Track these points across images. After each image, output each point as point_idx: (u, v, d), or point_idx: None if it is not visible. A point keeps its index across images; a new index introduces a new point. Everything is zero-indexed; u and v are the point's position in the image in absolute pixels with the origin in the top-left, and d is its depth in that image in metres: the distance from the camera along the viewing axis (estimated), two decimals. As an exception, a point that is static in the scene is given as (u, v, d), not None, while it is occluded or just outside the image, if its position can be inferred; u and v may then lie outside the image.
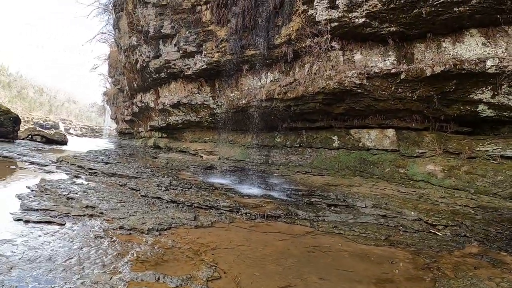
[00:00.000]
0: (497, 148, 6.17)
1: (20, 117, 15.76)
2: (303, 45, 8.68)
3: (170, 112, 15.02)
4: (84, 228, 3.25)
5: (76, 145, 19.34)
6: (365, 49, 7.77)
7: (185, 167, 10.14)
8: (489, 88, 5.97)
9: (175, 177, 7.55)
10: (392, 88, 7.01)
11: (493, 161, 6.15)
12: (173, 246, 2.99)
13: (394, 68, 6.85)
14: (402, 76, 6.66)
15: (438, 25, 6.45)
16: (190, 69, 11.65)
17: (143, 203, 4.58)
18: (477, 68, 5.76)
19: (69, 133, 47.25)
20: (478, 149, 6.39)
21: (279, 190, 6.75)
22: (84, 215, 3.61)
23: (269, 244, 3.37)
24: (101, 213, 3.79)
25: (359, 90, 7.42)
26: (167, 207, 4.52)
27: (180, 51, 11.59)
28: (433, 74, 6.21)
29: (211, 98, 12.03)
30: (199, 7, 10.96)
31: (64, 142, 17.61)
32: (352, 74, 7.34)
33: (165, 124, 16.27)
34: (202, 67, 11.15)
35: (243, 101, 10.49)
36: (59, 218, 3.46)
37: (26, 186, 4.88)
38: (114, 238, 3.05)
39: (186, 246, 3.02)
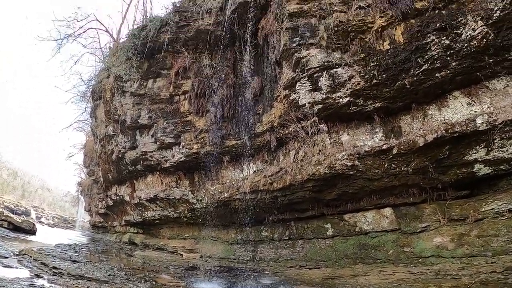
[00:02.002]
0: (503, 204, 6.08)
1: None
2: (287, 131, 8.76)
3: (146, 207, 14.51)
4: None
5: (46, 236, 18.42)
6: (352, 129, 7.88)
7: (164, 267, 9.42)
8: (482, 146, 6.07)
9: (154, 282, 6.84)
10: (385, 165, 6.97)
11: (502, 218, 6.01)
12: None
13: (384, 144, 6.92)
14: (395, 151, 6.68)
15: (421, 94, 6.72)
16: (168, 161, 11.52)
17: None
18: (468, 128, 5.93)
19: (41, 222, 45.47)
20: (483, 209, 6.28)
21: None
22: None
23: None
24: None
25: (351, 172, 7.33)
26: None
27: (158, 142, 11.57)
28: (426, 143, 6.26)
29: (190, 193, 11.70)
30: (177, 97, 11.26)
31: (32, 232, 16.83)
32: (342, 156, 7.33)
33: (141, 220, 15.61)
34: (181, 159, 11.04)
35: (225, 195, 10.18)
36: None
37: None
38: None
39: None
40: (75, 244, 14.32)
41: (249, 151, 9.65)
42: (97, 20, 22.50)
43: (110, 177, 17.44)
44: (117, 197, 17.30)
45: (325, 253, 8.55)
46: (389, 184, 7.29)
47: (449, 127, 6.14)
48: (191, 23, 11.38)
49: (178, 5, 13.12)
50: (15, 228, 16.05)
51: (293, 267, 8.65)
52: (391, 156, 6.80)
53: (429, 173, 6.64)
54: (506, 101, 6.07)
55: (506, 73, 6.15)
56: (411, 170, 6.78)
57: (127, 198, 15.98)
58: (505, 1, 5.62)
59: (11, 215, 20.79)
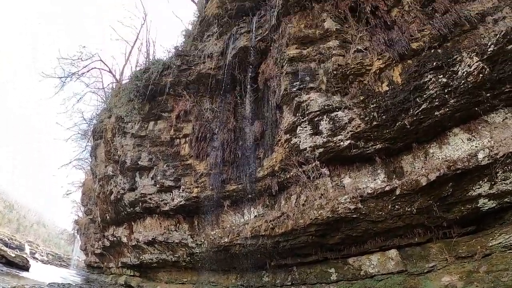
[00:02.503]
0: (510, 237, 5.92)
1: None
2: (288, 175, 8.72)
3: (144, 250, 14.16)
4: None
5: (39, 273, 17.82)
6: (353, 172, 7.82)
7: None
8: (485, 180, 5.94)
9: None
10: (389, 207, 6.83)
11: (511, 251, 5.83)
12: None
13: (387, 185, 6.81)
14: (397, 192, 6.56)
15: (421, 133, 6.73)
16: (167, 204, 11.36)
17: None
18: (470, 164, 5.83)
19: (34, 258, 44.38)
20: (490, 244, 6.09)
21: None
22: None
23: None
24: None
25: (354, 215, 7.17)
26: None
27: (157, 185, 11.47)
28: (429, 182, 6.14)
29: (189, 237, 11.46)
30: (178, 140, 11.29)
31: (26, 268, 16.39)
32: (345, 199, 7.20)
33: (138, 262, 15.19)
34: (180, 203, 10.89)
35: (226, 240, 9.96)
36: None
37: None
38: None
39: None
40: (69, 284, 13.89)
41: (250, 196, 9.56)
42: (101, 60, 23.14)
43: (108, 217, 17.15)
44: (114, 238, 16.94)
45: None
46: (393, 225, 7.13)
47: (451, 164, 6.07)
48: (193, 67, 11.64)
49: (180, 49, 13.50)
50: (8, 262, 15.64)
51: None
52: (394, 197, 6.69)
53: (433, 212, 6.52)
54: (505, 133, 6.08)
55: (503, 105, 6.20)
56: (415, 210, 6.65)
57: (124, 240, 15.63)
58: (498, 35, 5.76)
59: (5, 248, 20.31)
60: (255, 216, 9.63)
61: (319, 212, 7.62)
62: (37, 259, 47.65)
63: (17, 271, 14.38)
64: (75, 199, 32.11)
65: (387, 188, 6.76)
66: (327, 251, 8.57)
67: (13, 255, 18.01)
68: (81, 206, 28.69)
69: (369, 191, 7.00)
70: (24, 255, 22.24)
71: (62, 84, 21.52)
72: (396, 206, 6.81)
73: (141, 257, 14.74)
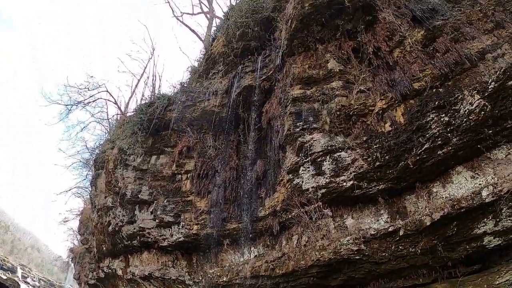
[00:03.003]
0: None
1: None
2: (290, 215, 8.64)
3: (139, 284, 13.82)
4: None
5: None
6: (356, 212, 7.74)
7: None
8: (490, 218, 5.83)
9: None
10: (392, 247, 6.68)
11: None
12: None
13: (390, 226, 6.71)
14: (401, 233, 6.45)
15: (424, 173, 6.70)
16: (166, 240, 11.18)
17: None
18: (474, 202, 5.74)
19: (26, 282, 43.14)
20: (497, 282, 5.91)
21: None
22: None
23: None
24: None
25: (357, 257, 7.01)
26: None
27: (157, 220, 11.33)
28: (433, 222, 6.04)
29: (187, 274, 11.21)
30: (179, 176, 11.27)
31: None
32: (348, 240, 7.07)
33: (133, 297, 14.84)
34: (179, 239, 10.72)
35: (224, 279, 9.74)
36: None
37: None
38: None
39: None
40: None
41: (251, 235, 9.43)
42: (107, 91, 23.40)
43: (104, 248, 16.84)
44: (109, 270, 16.56)
45: None
46: (397, 266, 6.96)
47: (455, 203, 6.00)
48: (197, 104, 11.78)
49: (185, 85, 13.74)
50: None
51: None
52: (397, 238, 6.58)
53: (438, 252, 6.39)
54: (509, 169, 6.06)
55: (506, 141, 6.21)
56: (419, 251, 6.51)
57: (119, 273, 15.27)
58: (498, 72, 5.87)
59: None
60: (255, 255, 9.47)
61: (321, 253, 7.49)
62: (29, 283, 46.38)
63: None
64: (72, 227, 31.65)
65: (390, 229, 6.67)
66: None
67: (5, 277, 17.55)
68: (77, 235, 28.19)
69: (372, 232, 6.90)
70: (16, 279, 21.65)
71: (67, 112, 21.77)
72: (400, 247, 6.69)
73: (136, 294, 14.40)
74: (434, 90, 6.66)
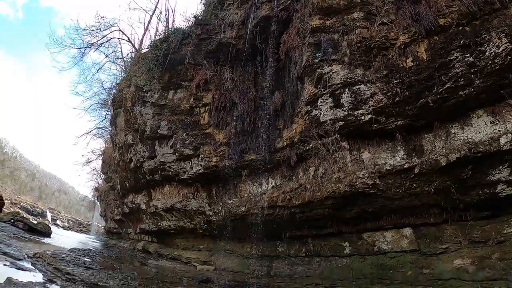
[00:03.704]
0: None
1: (8, 198, 15.20)
2: (308, 147, 8.57)
3: (162, 216, 14.40)
4: None
5: (61, 238, 18.36)
6: (373, 147, 7.62)
7: (177, 278, 9.20)
8: (505, 166, 5.77)
9: None
10: (407, 184, 6.71)
11: None
12: None
13: (406, 163, 6.67)
14: (416, 171, 6.42)
15: (444, 112, 6.46)
16: (186, 172, 11.40)
17: None
18: (491, 148, 5.66)
19: (56, 224, 45.75)
20: (505, 231, 6.01)
21: None
22: None
23: None
24: None
25: (371, 191, 7.07)
26: None
27: (176, 154, 11.50)
28: (448, 163, 5.99)
29: (207, 205, 11.54)
30: (197, 109, 11.20)
31: (47, 234, 16.78)
32: (363, 174, 7.09)
33: (156, 229, 15.50)
34: (199, 171, 10.91)
35: (243, 209, 10.00)
36: None
37: None
38: None
39: None
40: (89, 249, 14.21)
41: (268, 166, 9.48)
42: (120, 30, 22.85)
43: (127, 184, 17.45)
44: (133, 205, 17.27)
45: (341, 272, 8.27)
46: (410, 203, 7.02)
47: (472, 146, 5.88)
48: (213, 36, 11.38)
49: (200, 17, 13.19)
50: (31, 229, 16.01)
51: (308, 285, 8.31)
52: (412, 175, 6.54)
53: (451, 194, 6.35)
54: None
55: None
56: (432, 190, 6.50)
57: (143, 207, 15.92)
58: None
59: (28, 215, 20.99)
60: (273, 186, 9.58)
61: (337, 185, 7.53)
62: (59, 225, 49.07)
63: (39, 238, 14.76)
64: (95, 167, 32.78)
65: (406, 166, 6.62)
66: (343, 224, 8.53)
67: (35, 222, 18.52)
68: (101, 174, 29.26)
69: (388, 168, 6.87)
70: (46, 222, 22.89)
71: (81, 55, 21.52)
72: (414, 185, 6.67)
73: (159, 224, 15.01)
74: (460, 28, 6.12)
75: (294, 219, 8.90)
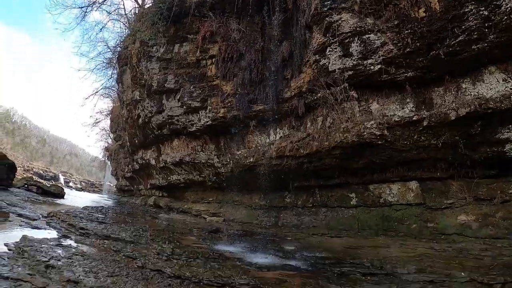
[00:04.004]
0: None
1: (21, 166, 15.49)
2: (316, 97, 8.45)
3: (171, 171, 14.60)
4: None
5: (74, 199, 18.82)
6: (382, 98, 7.47)
7: (187, 230, 9.46)
8: None
9: (178, 243, 6.81)
10: (415, 137, 6.67)
11: None
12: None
13: (415, 115, 6.58)
14: (425, 123, 6.36)
15: (455, 66, 6.24)
16: (194, 125, 11.39)
17: (140, 277, 3.86)
18: (502, 105, 5.57)
19: (69, 186, 46.86)
20: (511, 191, 6.05)
21: (300, 259, 5.96)
22: None
23: None
24: None
25: (379, 142, 7.04)
26: (169, 284, 3.76)
27: (184, 107, 11.43)
28: (458, 117, 5.91)
29: (215, 157, 11.62)
30: (204, 61, 10.99)
31: (61, 195, 17.14)
32: (371, 125, 7.03)
33: (166, 183, 15.78)
34: (207, 123, 10.88)
35: (251, 160, 10.05)
36: None
37: (4, 244, 4.35)
38: None
39: None
40: (101, 206, 14.56)
41: (276, 117, 9.40)
42: (121, -15, 22.09)
43: (136, 141, 17.58)
44: (143, 161, 17.49)
45: (347, 223, 8.46)
46: (417, 156, 7.00)
47: (483, 102, 5.75)
48: (218, -15, 10.94)
49: (204, -34, 12.62)
50: (44, 192, 16.34)
51: (315, 235, 8.51)
52: (421, 128, 6.47)
53: (459, 149, 6.31)
54: None
55: None
56: (440, 144, 6.45)
57: (153, 162, 16.12)
58: None
59: (41, 180, 21.40)
60: (281, 137, 9.56)
61: (345, 135, 7.48)
62: (71, 187, 50.15)
63: (53, 199, 15.03)
64: (104, 127, 32.96)
65: (414, 118, 6.52)
66: (349, 175, 8.59)
67: (48, 185, 18.85)
68: (110, 133, 29.48)
69: (396, 119, 6.77)
70: (59, 185, 23.30)
71: (83, 15, 20.91)
72: (422, 137, 6.61)
73: (169, 178, 15.25)
74: (475, -20, 5.76)
75: (302, 169, 8.94)
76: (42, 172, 57.30)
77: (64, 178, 60.82)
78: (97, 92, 28.36)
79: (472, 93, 6.16)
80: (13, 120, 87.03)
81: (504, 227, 5.77)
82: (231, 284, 3.98)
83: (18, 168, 18.57)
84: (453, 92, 6.44)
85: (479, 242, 5.75)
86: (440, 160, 6.88)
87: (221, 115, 10.35)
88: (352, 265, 5.25)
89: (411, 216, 7.27)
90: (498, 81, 5.93)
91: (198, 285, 3.93)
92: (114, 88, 24.78)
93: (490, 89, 5.95)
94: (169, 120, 12.42)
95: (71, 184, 58.04)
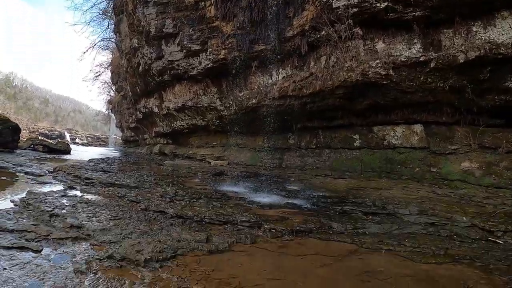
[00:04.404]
0: None
1: (26, 128, 15.39)
2: (319, 35, 8.07)
3: (175, 117, 14.48)
4: (63, 257, 2.59)
5: (80, 154, 18.97)
6: (388, 37, 7.08)
7: (192, 174, 9.52)
8: None
9: (181, 186, 6.87)
10: (421, 78, 6.40)
11: None
12: (179, 286, 2.26)
13: (422, 56, 6.26)
14: (432, 65, 6.06)
15: (466, 8, 5.82)
16: (195, 68, 11.06)
17: (142, 219, 3.90)
18: None
19: (75, 143, 47.19)
20: None
21: (302, 198, 6.01)
22: (66, 238, 2.98)
23: (309, 274, 2.64)
24: (88, 235, 3.13)
25: (384, 82, 6.79)
26: (171, 224, 3.81)
27: (184, 50, 11.05)
28: (466, 61, 5.61)
29: (218, 100, 11.43)
30: (203, 3, 10.41)
31: (67, 151, 17.25)
32: (377, 64, 6.74)
33: (170, 130, 15.74)
34: (208, 66, 10.54)
35: (253, 101, 9.88)
36: (36, 242, 2.85)
37: (11, 200, 4.35)
38: (99, 274, 2.36)
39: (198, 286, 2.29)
40: (107, 158, 14.64)
41: (278, 56, 9.08)
42: None
43: (138, 90, 17.31)
44: (146, 110, 17.34)
45: (350, 164, 8.43)
46: (423, 99, 6.77)
47: (494, 47, 5.42)
48: None
49: None
50: (50, 150, 16.33)
51: (318, 176, 8.50)
52: (428, 70, 6.17)
53: (466, 94, 6.06)
54: None
55: None
56: (447, 87, 6.19)
57: (155, 110, 15.97)
58: None
59: (47, 139, 21.33)
60: (283, 77, 9.30)
61: (349, 74, 7.23)
62: (78, 143, 50.43)
63: (60, 156, 15.02)
64: (105, 79, 32.39)
65: (422, 59, 6.19)
66: (353, 116, 8.45)
67: (54, 143, 18.78)
68: (112, 86, 29.01)
69: (403, 59, 6.44)
70: (65, 142, 23.28)
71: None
72: (429, 79, 6.33)
73: (172, 125, 15.19)
74: None
75: (305, 109, 8.80)
76: (47, 132, 57.34)
77: (70, 135, 61.01)
78: (95, 45, 27.57)
79: (482, 37, 5.78)
80: (14, 84, 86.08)
81: (508, 177, 5.67)
82: (233, 222, 4.01)
83: (23, 131, 18.46)
84: (463, 35, 6.07)
85: (481, 190, 5.67)
86: (446, 104, 6.67)
87: (222, 56, 10.00)
88: (354, 204, 5.26)
89: (414, 159, 7.20)
90: (510, 26, 5.55)
91: (200, 223, 3.95)
92: (112, 39, 23.95)
93: (502, 34, 5.58)
94: (170, 66, 12.08)
95: (77, 140, 58.38)
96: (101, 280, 2.27)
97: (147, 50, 13.35)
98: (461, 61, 5.69)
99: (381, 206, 5.03)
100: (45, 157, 12.87)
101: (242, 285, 2.34)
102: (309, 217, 4.41)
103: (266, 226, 3.90)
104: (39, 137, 26.71)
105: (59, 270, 2.37)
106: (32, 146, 16.58)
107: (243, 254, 3.03)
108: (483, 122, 6.41)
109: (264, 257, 3.03)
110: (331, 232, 3.87)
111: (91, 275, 2.33)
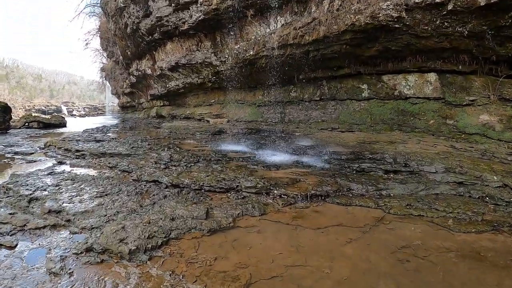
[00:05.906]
0: None
1: (22, 107, 14.09)
2: (321, -25, 6.87)
3: (169, 77, 13.26)
4: (38, 253, 2.08)
5: (75, 125, 17.88)
6: None
7: (190, 134, 8.75)
8: None
9: (178, 149, 6.10)
10: (437, 22, 5.41)
11: None
12: (172, 286, 1.61)
13: None
14: (450, 7, 5.06)
15: None
16: (186, 23, 9.70)
17: (132, 193, 3.20)
18: None
19: (73, 115, 45.52)
20: None
21: (312, 155, 5.21)
22: (44, 227, 2.34)
23: (335, 255, 1.98)
24: (68, 220, 2.50)
25: (396, 25, 5.77)
26: (165, 196, 3.11)
27: (173, 4, 9.64)
28: (488, 4, 4.68)
29: (212, 54, 10.17)
30: None
31: (62, 125, 16.11)
32: (387, 5, 5.67)
33: (165, 91, 14.55)
34: (200, 19, 9.15)
35: (251, 52, 8.73)
36: (11, 235, 2.30)
37: None
38: (75, 275, 1.81)
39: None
40: (103, 126, 13.64)
41: (276, 3, 7.84)
42: None
43: (128, 53, 15.86)
44: (139, 72, 16.03)
45: (359, 116, 7.59)
46: (438, 45, 5.81)
47: None
48: None
49: None
50: (46, 125, 15.08)
51: (324, 129, 7.74)
52: (445, 12, 5.16)
53: (485, 40, 5.20)
54: None
55: None
56: (466, 32, 5.24)
57: (149, 72, 14.69)
58: None
59: (41, 115, 19.95)
60: (283, 25, 8.11)
61: (357, 17, 6.12)
62: (75, 115, 48.52)
63: (55, 130, 13.93)
64: (96, 47, 30.34)
65: (438, 0, 5.13)
66: (361, 64, 7.47)
67: (49, 117, 17.45)
68: (103, 52, 27.14)
69: (417, 0, 5.36)
70: (62, 115, 21.90)
71: None
72: (446, 23, 5.34)
73: (167, 85, 14.03)
74: None
75: (308, 58, 7.74)
76: (43, 107, 54.99)
77: (66, 108, 58.78)
78: (81, 11, 25.36)
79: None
80: (4, 65, 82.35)
81: (531, 132, 4.97)
82: (236, 188, 3.36)
83: (19, 110, 17.08)
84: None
85: (503, 145, 4.96)
86: (463, 51, 5.79)
87: (214, 7, 8.61)
88: (372, 161, 4.49)
89: (428, 111, 6.40)
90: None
91: (199, 192, 3.29)
92: (97, 5, 21.80)
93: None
94: (159, 22, 10.70)
95: (74, 112, 56.32)
96: (76, 284, 1.74)
97: (134, 8, 11.86)
98: (482, 3, 4.77)
99: (403, 163, 4.26)
100: (39, 133, 11.81)
101: (255, 280, 1.66)
102: (324, 177, 3.68)
103: (275, 191, 3.23)
104: (33, 114, 25.34)
105: (31, 272, 1.88)
106: (26, 124, 15.37)
107: (252, 231, 2.39)
108: (503, 72, 5.64)
109: (277, 233, 2.37)
110: (350, 195, 3.23)
111: (66, 276, 1.84)
